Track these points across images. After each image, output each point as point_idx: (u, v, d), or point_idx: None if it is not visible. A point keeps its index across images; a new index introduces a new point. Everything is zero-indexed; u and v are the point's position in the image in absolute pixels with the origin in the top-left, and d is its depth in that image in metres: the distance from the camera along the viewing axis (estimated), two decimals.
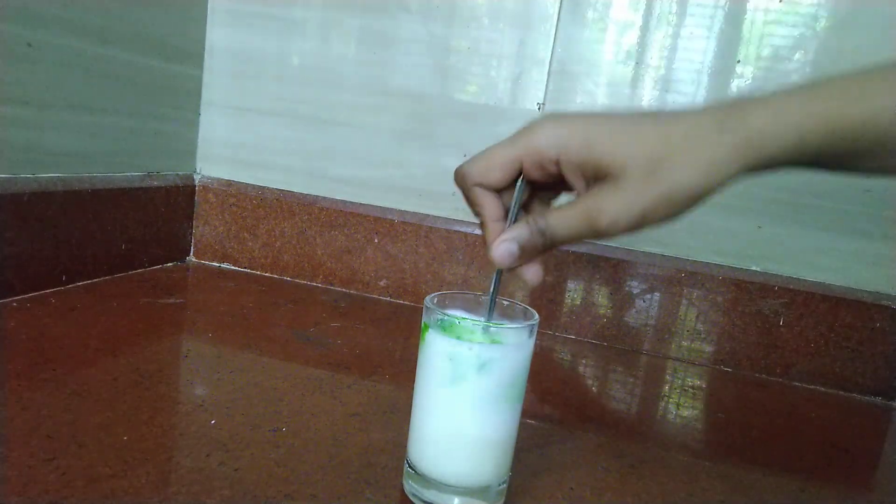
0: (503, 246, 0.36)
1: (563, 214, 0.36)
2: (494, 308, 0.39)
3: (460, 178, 0.38)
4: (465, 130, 0.82)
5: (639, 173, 0.33)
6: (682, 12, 0.74)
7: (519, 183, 0.38)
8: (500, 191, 0.38)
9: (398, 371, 0.61)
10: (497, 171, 0.37)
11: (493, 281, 0.39)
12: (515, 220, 0.38)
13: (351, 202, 0.86)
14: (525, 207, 0.40)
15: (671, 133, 0.34)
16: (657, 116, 0.35)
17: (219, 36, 0.87)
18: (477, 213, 0.39)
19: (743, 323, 0.76)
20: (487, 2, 0.79)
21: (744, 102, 0.34)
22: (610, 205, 0.34)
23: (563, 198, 0.40)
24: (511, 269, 0.38)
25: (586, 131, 0.35)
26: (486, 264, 0.37)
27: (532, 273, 0.39)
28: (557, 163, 0.36)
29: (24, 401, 0.43)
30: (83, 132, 0.69)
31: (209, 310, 0.71)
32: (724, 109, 0.34)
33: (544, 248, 0.37)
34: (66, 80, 0.66)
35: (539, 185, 0.39)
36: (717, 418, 0.63)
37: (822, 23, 0.71)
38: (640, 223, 0.34)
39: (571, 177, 0.36)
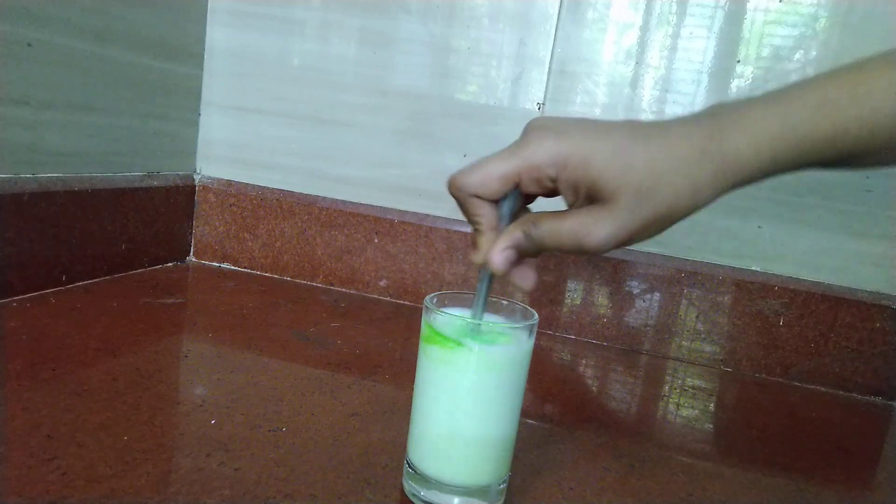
0: (505, 254, 0.37)
1: (555, 228, 0.37)
2: (485, 308, 0.40)
3: (456, 189, 0.38)
4: (465, 130, 0.82)
5: (629, 202, 0.35)
6: (682, 12, 0.74)
7: (513, 195, 0.38)
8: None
9: (398, 371, 0.61)
10: (496, 184, 0.37)
11: (485, 283, 0.39)
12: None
13: (351, 202, 0.86)
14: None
15: (660, 161, 0.35)
16: (648, 139, 0.36)
17: (219, 36, 0.87)
18: (473, 222, 0.39)
19: (743, 323, 0.76)
20: (487, 2, 0.79)
21: (723, 119, 0.36)
22: (600, 229, 0.36)
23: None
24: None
25: (585, 150, 0.36)
26: (476, 266, 0.38)
27: (528, 279, 0.40)
28: (555, 180, 0.37)
29: (24, 401, 0.43)
30: (83, 132, 0.69)
31: (209, 310, 0.71)
32: (707, 130, 0.36)
33: (529, 255, 0.39)
34: (66, 80, 0.66)
35: (529, 195, 0.40)
36: (717, 418, 0.63)
37: (822, 23, 0.71)
38: (625, 244, 0.37)
39: (565, 192, 0.37)
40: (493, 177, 0.37)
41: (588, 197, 0.36)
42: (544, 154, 0.36)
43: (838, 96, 0.35)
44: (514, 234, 0.37)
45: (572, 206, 0.38)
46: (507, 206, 0.38)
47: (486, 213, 0.38)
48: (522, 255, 0.38)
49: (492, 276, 0.39)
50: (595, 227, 0.36)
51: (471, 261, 0.40)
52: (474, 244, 0.39)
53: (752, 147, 0.35)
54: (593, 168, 0.35)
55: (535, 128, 0.37)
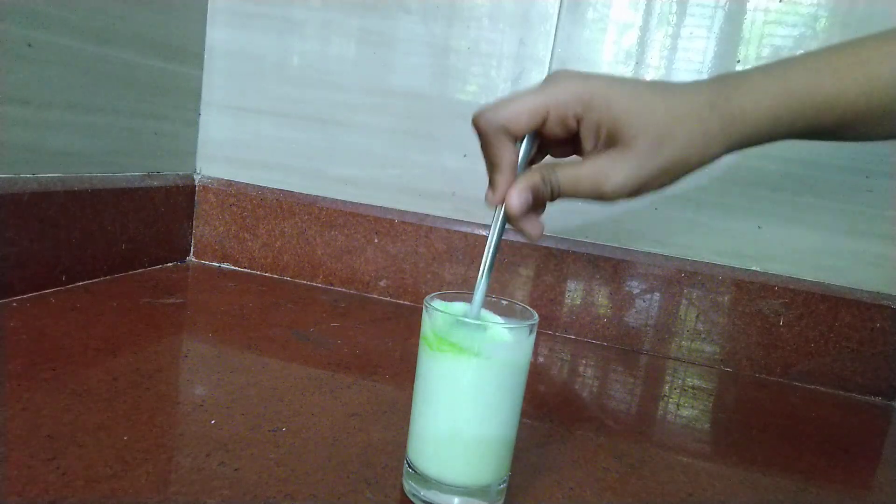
0: (524, 195, 0.38)
1: (574, 174, 0.38)
2: (495, 259, 0.39)
3: (485, 122, 0.38)
4: (465, 130, 0.81)
5: (646, 146, 0.37)
6: (682, 12, 0.74)
7: (530, 139, 0.39)
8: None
9: (398, 371, 0.61)
10: (525, 119, 0.37)
11: (498, 226, 0.39)
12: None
13: (351, 202, 0.86)
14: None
15: (676, 109, 0.37)
16: (665, 90, 0.38)
17: (219, 36, 0.87)
18: (494, 157, 0.39)
19: (743, 323, 0.76)
20: (487, 2, 0.79)
21: (730, 81, 0.39)
22: (617, 173, 0.37)
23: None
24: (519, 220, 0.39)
25: (608, 93, 0.37)
26: (490, 207, 0.38)
27: (537, 228, 0.40)
28: (579, 119, 0.37)
29: (24, 401, 0.43)
30: (83, 132, 0.69)
31: (209, 310, 0.71)
32: (715, 88, 0.38)
33: (546, 200, 0.39)
34: (66, 80, 0.66)
35: (545, 141, 0.40)
36: (717, 418, 0.63)
37: (822, 23, 0.71)
38: (639, 192, 0.38)
39: (586, 133, 0.38)
40: (523, 111, 0.37)
41: (607, 141, 0.37)
42: (571, 92, 0.37)
43: (838, 62, 0.38)
44: (533, 177, 0.38)
45: (590, 153, 0.38)
46: (524, 150, 0.39)
47: (507, 152, 0.38)
48: (537, 201, 0.39)
49: (504, 221, 0.39)
50: (613, 171, 0.37)
51: (486, 201, 0.40)
52: (491, 183, 0.39)
53: (755, 105, 0.37)
54: (616, 108, 0.36)
55: (559, 73, 0.38)
